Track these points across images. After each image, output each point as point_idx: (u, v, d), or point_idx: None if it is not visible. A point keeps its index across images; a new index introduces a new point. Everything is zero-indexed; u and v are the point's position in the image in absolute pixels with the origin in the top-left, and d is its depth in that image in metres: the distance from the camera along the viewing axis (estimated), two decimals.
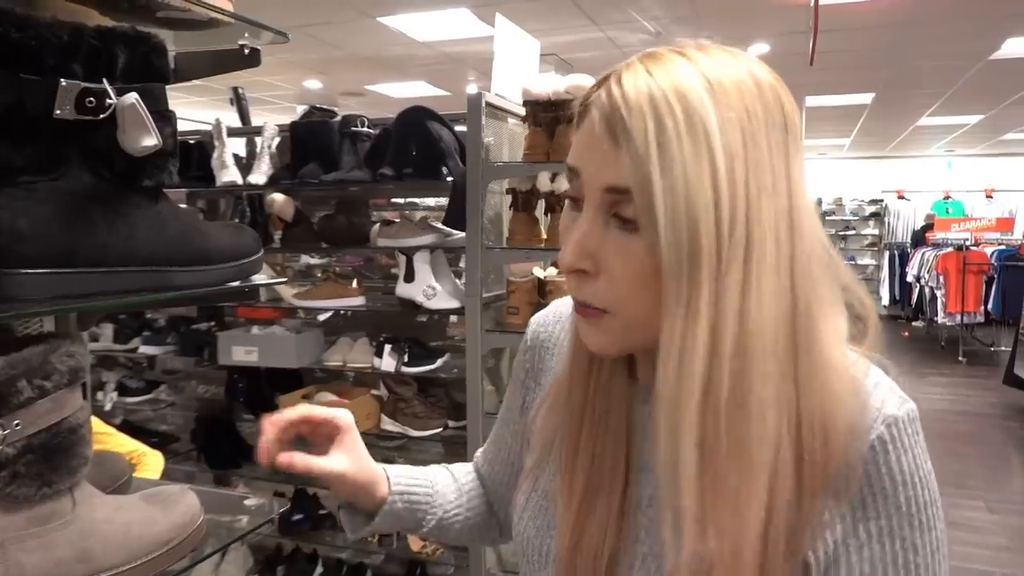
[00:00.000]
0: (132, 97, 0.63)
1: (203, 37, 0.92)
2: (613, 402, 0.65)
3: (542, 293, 2.41)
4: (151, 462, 2.01)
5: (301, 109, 2.73)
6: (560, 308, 0.81)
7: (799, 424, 0.53)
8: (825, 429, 0.53)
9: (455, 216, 2.35)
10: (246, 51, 0.90)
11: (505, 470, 0.84)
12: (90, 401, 0.98)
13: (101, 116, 0.64)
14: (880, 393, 0.58)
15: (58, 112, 0.62)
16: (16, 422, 0.60)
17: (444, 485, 0.82)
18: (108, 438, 1.98)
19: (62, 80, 0.62)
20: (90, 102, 0.63)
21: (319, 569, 2.71)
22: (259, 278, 0.84)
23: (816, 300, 0.54)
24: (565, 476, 0.65)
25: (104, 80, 0.64)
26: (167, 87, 0.73)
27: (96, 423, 1.97)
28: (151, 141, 0.65)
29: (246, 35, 0.88)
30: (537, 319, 0.82)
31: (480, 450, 0.92)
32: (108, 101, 0.64)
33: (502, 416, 0.85)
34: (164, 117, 0.71)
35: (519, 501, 0.72)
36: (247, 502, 0.88)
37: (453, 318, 2.62)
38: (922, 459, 0.57)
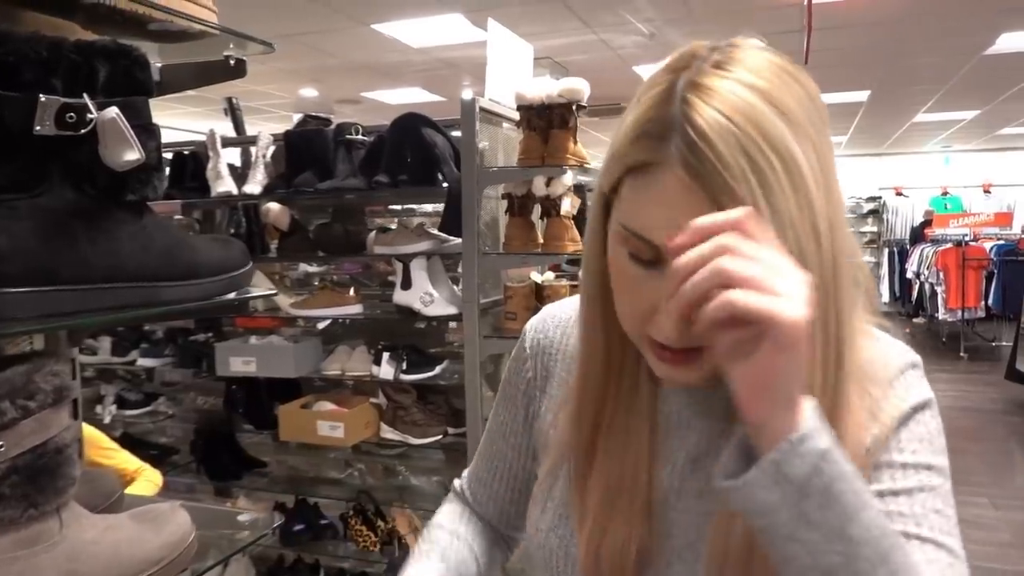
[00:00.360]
0: (112, 111, 0.62)
1: (189, 49, 0.91)
2: (636, 405, 0.64)
3: (539, 298, 2.40)
4: (152, 478, 2.03)
5: (297, 118, 2.73)
6: (555, 312, 0.79)
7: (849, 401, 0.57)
8: (867, 394, 0.59)
9: (451, 222, 2.34)
10: (232, 62, 0.89)
11: (508, 485, 0.82)
12: (81, 418, 0.97)
13: (82, 131, 0.63)
14: (883, 346, 0.64)
15: (38, 128, 0.61)
16: (0, 443, 0.59)
17: (458, 556, 0.79)
18: (115, 454, 1.99)
19: (41, 96, 0.61)
20: (71, 117, 0.62)
21: None
22: (256, 289, 0.84)
23: (848, 283, 0.57)
24: (579, 481, 0.64)
25: (85, 95, 0.63)
26: (157, 99, 0.73)
27: (103, 439, 1.99)
28: (133, 155, 0.64)
29: (231, 46, 0.88)
30: (534, 325, 0.79)
31: (465, 473, 0.88)
32: (89, 116, 0.63)
33: (497, 431, 0.82)
34: (147, 130, 0.70)
35: (533, 512, 0.71)
36: (241, 517, 0.87)
37: (452, 324, 2.62)
38: (930, 394, 0.62)
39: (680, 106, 0.51)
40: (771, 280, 0.45)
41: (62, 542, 0.63)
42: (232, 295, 0.79)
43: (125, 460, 1.99)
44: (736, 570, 0.57)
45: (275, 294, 2.51)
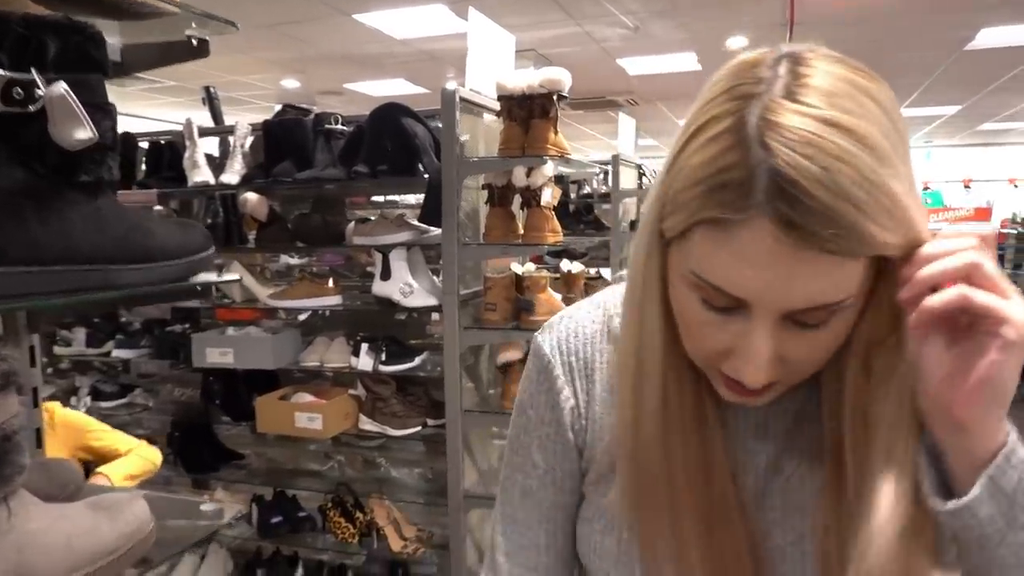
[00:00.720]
0: (61, 87, 0.60)
1: (151, 28, 0.89)
2: (704, 418, 0.60)
3: (520, 288, 2.39)
4: (147, 455, 1.99)
5: (279, 109, 2.70)
6: (573, 328, 0.70)
7: None
8: None
9: (431, 212, 2.33)
10: (194, 42, 0.87)
11: (572, 532, 0.73)
12: (41, 407, 0.95)
13: (31, 108, 0.61)
14: None
15: None
16: None
17: None
18: (105, 435, 1.96)
19: None
20: (18, 93, 0.60)
21: (299, 572, 2.68)
22: (227, 275, 0.82)
23: None
24: (656, 501, 0.60)
25: (33, 70, 0.61)
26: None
27: (91, 421, 1.96)
28: (85, 134, 0.63)
29: (193, 25, 0.85)
30: (558, 347, 0.69)
31: (501, 562, 0.72)
32: (38, 93, 0.61)
33: (541, 484, 0.70)
34: (102, 110, 0.68)
35: (608, 544, 0.66)
36: (204, 507, 0.85)
37: (434, 317, 2.60)
38: None
39: (760, 153, 0.47)
40: (1004, 285, 0.48)
41: (10, 532, 0.62)
42: (209, 276, 0.78)
43: (118, 441, 1.96)
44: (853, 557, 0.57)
45: (239, 279, 2.49)
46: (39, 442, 0.91)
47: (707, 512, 0.59)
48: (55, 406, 1.93)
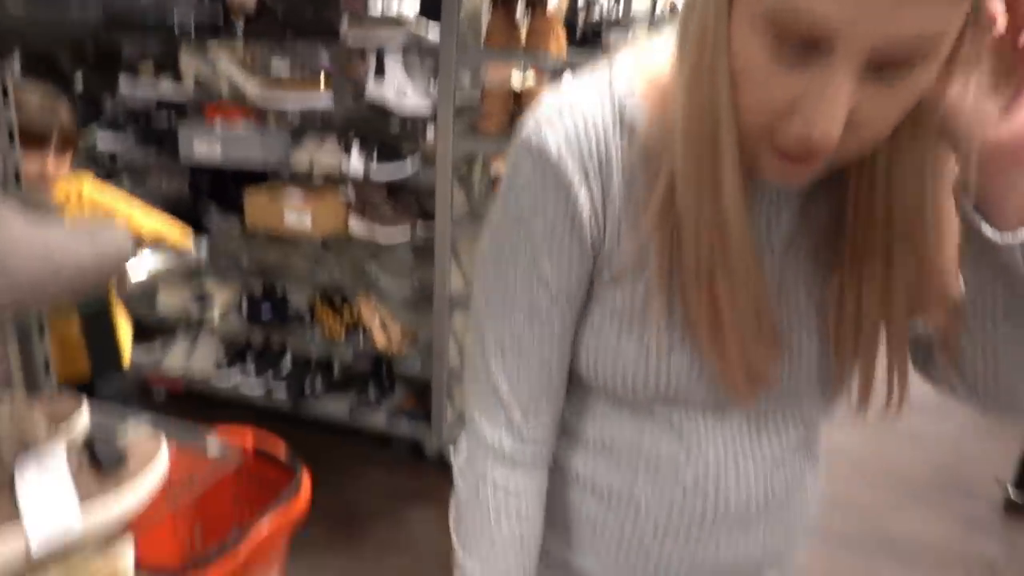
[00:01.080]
0: None
1: None
2: (738, 199, 0.55)
3: (518, 101, 2.32)
4: (177, 245, 1.75)
5: None
6: (580, 121, 0.59)
7: None
8: None
9: (430, 5, 2.21)
10: None
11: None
12: (17, 149, 0.93)
13: None
14: None
15: None
16: None
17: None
18: (133, 218, 1.61)
19: None
20: None
21: (287, 359, 2.80)
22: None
23: None
24: (697, 292, 0.58)
25: None
26: None
27: (121, 202, 1.66)
28: None
29: None
30: (566, 144, 0.59)
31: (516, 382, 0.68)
32: None
33: (551, 299, 0.64)
34: None
35: (632, 349, 0.63)
36: (183, 254, 0.86)
37: (430, 135, 2.52)
38: None
39: None
40: None
41: None
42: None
43: (144, 225, 1.62)
44: (868, 327, 0.60)
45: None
46: (18, 180, 0.90)
47: (747, 290, 0.58)
48: (86, 180, 1.72)
